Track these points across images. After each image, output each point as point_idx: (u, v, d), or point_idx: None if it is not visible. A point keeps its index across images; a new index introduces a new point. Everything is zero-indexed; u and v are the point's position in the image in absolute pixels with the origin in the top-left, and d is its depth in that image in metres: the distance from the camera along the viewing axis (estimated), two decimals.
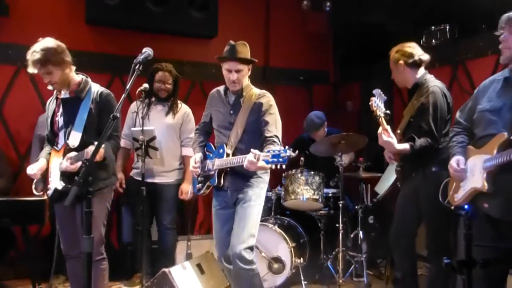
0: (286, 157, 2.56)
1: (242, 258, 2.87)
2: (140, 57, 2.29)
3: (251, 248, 2.91)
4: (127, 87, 2.17)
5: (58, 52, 2.80)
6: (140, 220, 3.74)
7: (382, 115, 3.04)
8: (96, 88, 2.97)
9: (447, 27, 4.32)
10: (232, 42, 3.02)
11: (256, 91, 3.09)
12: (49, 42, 2.81)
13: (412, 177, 3.20)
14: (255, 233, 2.97)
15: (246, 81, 3.08)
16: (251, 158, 2.65)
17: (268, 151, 2.62)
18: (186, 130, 4.02)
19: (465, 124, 2.56)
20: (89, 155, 2.42)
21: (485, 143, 2.31)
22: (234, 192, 3.01)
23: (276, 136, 2.99)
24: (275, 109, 3.08)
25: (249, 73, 3.08)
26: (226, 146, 3.00)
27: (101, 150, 2.68)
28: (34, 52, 2.75)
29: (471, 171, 2.36)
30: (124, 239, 4.43)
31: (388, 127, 3.04)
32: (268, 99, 3.08)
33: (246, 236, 2.90)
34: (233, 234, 2.94)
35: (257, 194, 3.02)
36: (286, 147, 2.59)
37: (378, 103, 3.07)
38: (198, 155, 3.12)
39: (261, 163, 2.62)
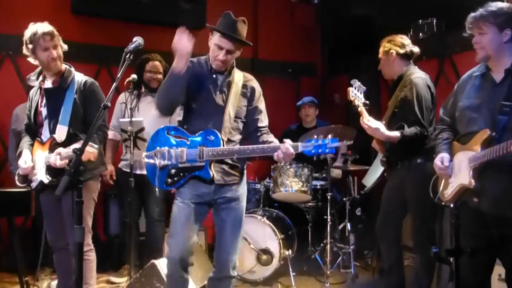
0: (334, 148, 2.35)
1: (235, 266, 2.66)
2: (131, 46, 2.26)
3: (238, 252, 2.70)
4: (118, 75, 2.14)
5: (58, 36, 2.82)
6: (128, 212, 3.72)
7: (360, 105, 3.08)
8: (79, 78, 2.94)
9: (434, 21, 4.36)
10: (232, 15, 2.60)
11: (241, 72, 2.74)
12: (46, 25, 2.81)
13: (398, 169, 3.25)
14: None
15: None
16: (288, 149, 2.37)
17: (309, 140, 2.37)
18: (176, 122, 3.99)
19: (448, 121, 2.57)
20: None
21: (469, 140, 2.33)
22: (221, 188, 2.61)
23: (267, 128, 2.76)
24: (262, 97, 2.81)
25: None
26: (220, 130, 2.55)
27: (95, 151, 2.63)
28: (40, 28, 2.74)
29: (458, 168, 2.39)
30: (111, 231, 4.40)
31: (369, 117, 3.08)
32: (257, 84, 2.78)
33: (239, 244, 2.68)
34: (228, 240, 2.62)
35: (244, 192, 2.73)
36: (332, 137, 2.36)
37: (356, 93, 3.11)
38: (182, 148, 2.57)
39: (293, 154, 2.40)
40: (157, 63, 3.93)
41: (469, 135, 2.34)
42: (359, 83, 3.10)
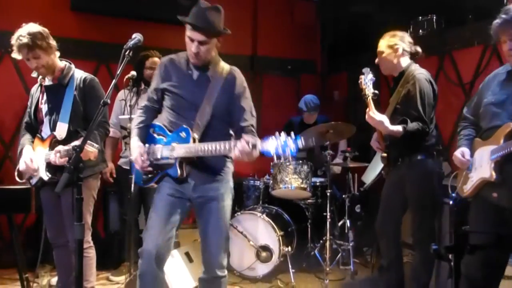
0: (295, 149, 2.12)
1: (221, 266, 2.54)
2: (130, 43, 2.25)
3: (226, 252, 2.60)
4: (118, 72, 2.14)
5: (44, 37, 2.75)
6: (128, 209, 3.72)
7: (370, 94, 3.08)
8: (79, 74, 2.93)
9: (434, 17, 4.35)
10: (202, 3, 2.44)
11: (225, 65, 2.57)
12: (34, 27, 2.76)
13: (398, 165, 3.24)
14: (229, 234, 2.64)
15: (213, 53, 2.51)
16: (244, 147, 2.16)
17: (266, 139, 2.16)
18: None
19: (471, 119, 2.60)
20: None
21: (492, 134, 2.35)
22: (199, 187, 2.50)
23: (253, 126, 2.54)
24: (249, 93, 2.60)
25: (219, 44, 2.53)
26: (192, 129, 2.43)
27: (95, 150, 2.61)
28: (21, 37, 2.69)
29: (479, 162, 2.40)
30: (111, 228, 4.40)
31: (374, 109, 3.08)
32: (242, 78, 2.58)
33: (225, 241, 2.57)
34: (211, 241, 2.51)
35: (228, 190, 2.58)
36: (295, 136, 2.13)
37: (367, 81, 3.11)
38: (139, 145, 2.49)
39: (256, 153, 2.18)
40: (156, 59, 3.91)
41: (492, 129, 2.36)
42: (369, 70, 3.09)
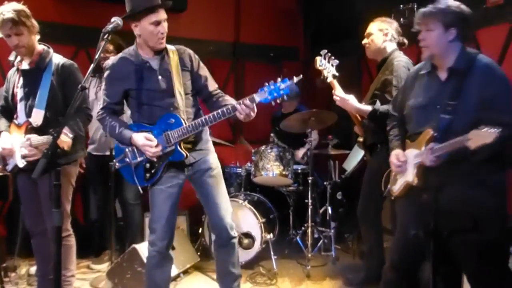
0: (287, 87, 2.31)
1: (232, 226, 2.76)
2: (109, 26, 2.20)
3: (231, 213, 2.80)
4: (96, 56, 2.09)
5: (28, 15, 2.70)
6: (104, 197, 3.70)
7: (330, 76, 3.11)
8: (57, 60, 2.86)
9: (415, 6, 4.37)
10: None
11: (170, 46, 2.66)
12: (18, 5, 2.70)
13: (377, 152, 3.28)
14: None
15: None
16: (244, 109, 2.36)
17: (262, 89, 2.34)
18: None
19: (397, 116, 2.59)
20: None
21: (416, 138, 2.35)
22: (191, 165, 2.67)
23: (220, 90, 2.74)
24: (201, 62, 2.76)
25: None
26: (175, 111, 2.56)
27: (69, 140, 2.58)
28: (5, 12, 2.63)
29: (406, 165, 2.40)
30: (91, 216, 4.35)
31: (339, 88, 3.10)
32: (191, 52, 2.71)
33: (228, 203, 2.78)
34: (217, 206, 2.69)
35: (216, 159, 2.78)
36: (281, 79, 2.32)
37: (324, 63, 3.13)
38: (143, 134, 2.56)
39: (255, 109, 2.40)
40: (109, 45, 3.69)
41: (417, 134, 2.35)
42: (328, 52, 3.12)
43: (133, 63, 2.60)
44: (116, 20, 2.25)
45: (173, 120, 2.54)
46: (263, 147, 4.18)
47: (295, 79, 2.36)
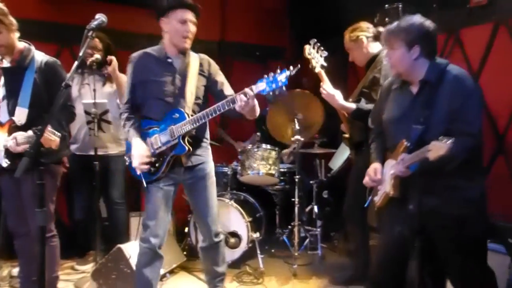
0: (285, 78, 2.34)
1: (217, 234, 2.92)
2: (93, 23, 2.16)
3: (218, 221, 2.94)
4: (80, 54, 2.06)
5: (5, 13, 2.64)
6: (89, 197, 3.67)
7: (318, 66, 3.12)
8: (40, 57, 2.81)
9: (400, 6, 4.40)
10: None
11: (194, 53, 2.79)
12: None
13: (363, 151, 3.30)
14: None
15: None
16: (243, 97, 2.38)
17: (261, 80, 2.38)
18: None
19: (377, 130, 2.60)
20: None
21: (394, 150, 2.37)
22: (188, 169, 2.75)
23: None
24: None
25: None
26: (184, 108, 2.65)
27: (56, 139, 2.54)
28: None
29: (385, 176, 2.42)
30: (75, 216, 4.29)
31: (327, 81, 3.11)
32: (210, 59, 2.85)
33: (216, 212, 2.90)
34: (205, 214, 2.82)
35: (211, 169, 2.87)
36: (279, 70, 2.36)
37: (313, 52, 3.15)
38: (141, 145, 2.66)
39: (255, 101, 2.45)
40: (96, 40, 3.69)
41: (395, 146, 2.37)
42: (317, 42, 3.15)
43: (156, 58, 2.72)
44: (101, 17, 2.21)
45: (178, 115, 2.63)
46: (249, 146, 4.17)
47: (292, 69, 2.36)
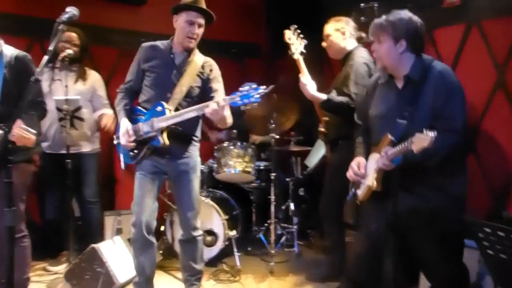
0: (259, 96, 2.40)
1: (195, 228, 3.01)
2: (64, 16, 2.11)
3: (198, 216, 3.04)
4: (50, 47, 2.00)
5: None
6: (63, 196, 3.57)
7: (297, 53, 3.14)
8: (10, 51, 2.72)
9: (376, 4, 4.44)
10: None
11: (202, 55, 2.94)
12: None
13: (338, 148, 3.32)
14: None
15: None
16: (213, 106, 2.51)
17: (235, 93, 2.45)
18: (100, 96, 3.84)
19: (363, 126, 2.63)
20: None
21: (378, 144, 2.40)
22: (173, 162, 2.89)
23: None
24: (221, 79, 2.98)
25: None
26: (168, 102, 2.77)
27: (32, 137, 2.46)
28: None
29: (368, 170, 2.45)
30: (47, 216, 4.19)
31: (305, 70, 3.12)
32: (216, 66, 2.97)
33: (197, 207, 3.01)
34: (186, 207, 2.95)
35: (198, 165, 3.00)
36: (256, 86, 2.42)
37: (293, 38, 3.17)
38: (127, 124, 2.82)
39: (228, 111, 2.61)
40: (73, 34, 3.63)
41: (378, 141, 2.40)
42: (297, 29, 3.18)
43: (161, 50, 2.88)
44: (72, 10, 2.15)
45: (160, 108, 2.75)
46: (225, 144, 4.15)
47: (266, 88, 2.44)
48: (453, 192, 2.30)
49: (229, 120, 2.78)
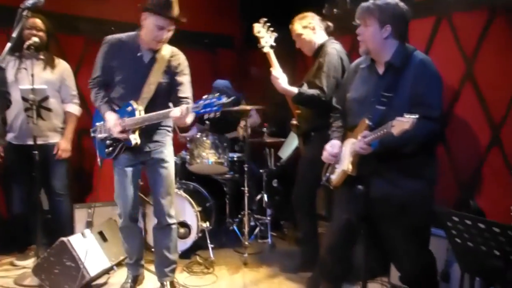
0: (220, 105, 2.47)
1: (170, 215, 3.04)
2: (29, 2, 2.03)
3: (173, 203, 3.08)
4: (14, 34, 1.93)
5: None
6: (30, 188, 3.48)
7: (267, 46, 3.14)
8: None
9: None
10: None
11: (169, 47, 2.92)
12: None
13: (311, 140, 3.34)
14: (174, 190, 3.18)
15: None
16: (176, 113, 2.58)
17: (198, 102, 2.53)
18: (69, 87, 3.73)
19: (340, 109, 2.65)
20: None
21: (354, 129, 2.42)
22: (146, 153, 2.95)
23: (190, 98, 2.92)
24: (189, 70, 2.98)
25: None
26: (137, 102, 2.81)
27: None
28: None
29: (344, 154, 2.47)
30: (14, 209, 4.07)
31: (276, 63, 3.13)
32: (183, 58, 2.97)
33: (172, 194, 3.04)
34: (160, 194, 2.98)
35: (171, 153, 3.05)
36: (218, 95, 2.48)
37: (263, 31, 3.16)
38: (114, 116, 2.84)
39: (191, 116, 2.65)
40: (38, 20, 3.50)
41: (356, 125, 2.41)
42: (269, 24, 3.18)
43: (128, 47, 2.84)
44: None
45: (130, 109, 2.79)
46: (198, 135, 4.11)
47: (228, 99, 2.50)
48: (424, 180, 2.34)
49: (189, 122, 2.80)
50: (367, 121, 2.27)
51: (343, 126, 2.58)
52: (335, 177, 2.53)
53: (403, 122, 1.96)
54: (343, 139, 2.53)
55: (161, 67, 2.85)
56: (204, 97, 2.53)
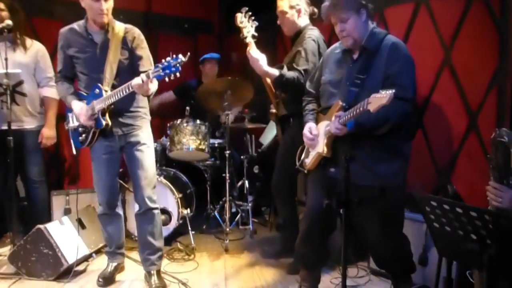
0: (178, 65, 2.43)
1: (151, 199, 2.98)
2: None
3: (154, 188, 3.02)
4: None
5: None
6: (5, 175, 3.36)
7: (249, 36, 3.12)
8: None
9: None
10: None
11: (121, 25, 2.88)
12: None
13: (290, 126, 3.33)
14: (155, 174, 3.08)
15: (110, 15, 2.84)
16: (138, 81, 2.55)
17: (157, 66, 2.49)
18: (43, 69, 3.64)
19: (314, 93, 2.67)
20: None
21: (328, 111, 2.45)
22: (122, 136, 2.92)
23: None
24: (146, 43, 2.94)
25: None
26: (102, 84, 2.80)
27: None
28: None
29: (318, 137, 2.50)
30: None
31: (256, 49, 3.12)
32: (138, 32, 2.92)
33: (151, 177, 2.98)
34: (138, 177, 2.93)
35: (148, 136, 3.01)
36: (175, 55, 2.45)
37: (245, 21, 3.14)
38: (80, 104, 2.85)
39: (154, 83, 2.61)
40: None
41: (329, 108, 2.45)
42: (250, 14, 3.15)
43: (79, 34, 2.85)
44: None
45: (98, 91, 2.80)
46: (178, 121, 4.07)
47: (184, 57, 2.44)
48: (393, 167, 2.38)
49: (152, 90, 2.71)
50: (340, 103, 2.30)
51: (315, 109, 2.60)
52: (309, 160, 2.54)
53: (380, 98, 1.98)
54: (316, 122, 2.55)
55: (117, 45, 2.81)
56: (162, 60, 2.49)
